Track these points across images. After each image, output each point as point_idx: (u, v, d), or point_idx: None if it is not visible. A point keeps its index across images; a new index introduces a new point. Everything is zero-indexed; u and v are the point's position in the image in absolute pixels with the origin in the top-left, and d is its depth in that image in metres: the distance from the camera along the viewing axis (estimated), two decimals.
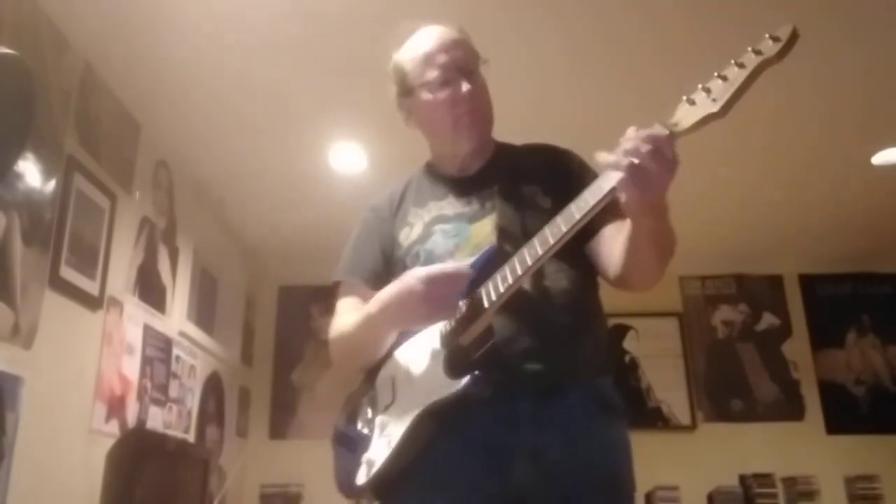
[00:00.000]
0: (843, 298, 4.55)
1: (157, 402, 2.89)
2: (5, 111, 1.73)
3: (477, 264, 1.12)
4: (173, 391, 3.07)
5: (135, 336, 2.73)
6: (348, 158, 3.20)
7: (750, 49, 0.90)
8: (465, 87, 1.28)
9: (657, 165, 0.93)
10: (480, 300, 1.10)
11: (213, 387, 3.65)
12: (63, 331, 2.22)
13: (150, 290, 2.89)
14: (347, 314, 1.32)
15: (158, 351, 2.93)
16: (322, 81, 2.65)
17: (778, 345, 4.48)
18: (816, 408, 4.32)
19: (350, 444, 1.27)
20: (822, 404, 4.32)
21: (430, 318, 1.14)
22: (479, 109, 1.32)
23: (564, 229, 1.02)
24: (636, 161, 0.94)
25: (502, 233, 1.22)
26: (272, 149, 3.16)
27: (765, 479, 4.01)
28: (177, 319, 3.15)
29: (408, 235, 1.32)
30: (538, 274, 1.17)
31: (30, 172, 2.07)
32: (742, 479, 4.04)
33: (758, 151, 3.20)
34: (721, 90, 0.91)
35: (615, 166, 0.96)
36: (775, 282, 4.60)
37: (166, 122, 2.88)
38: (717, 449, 4.17)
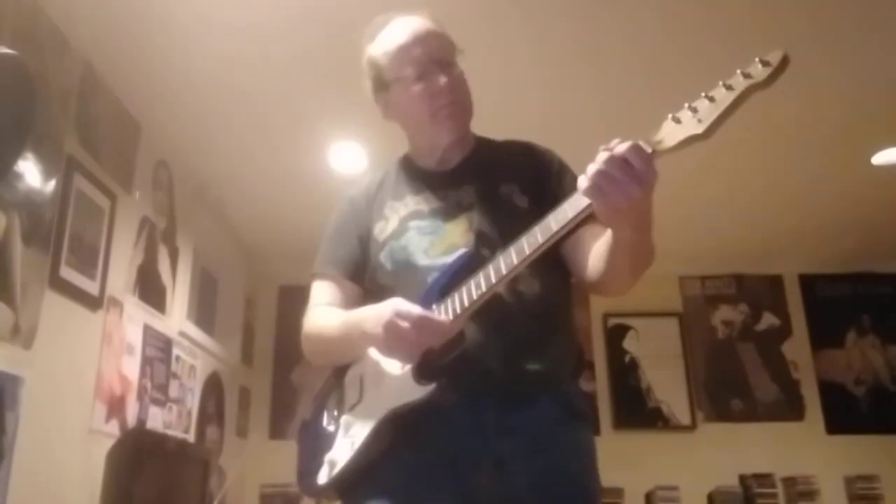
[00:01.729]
0: (843, 298, 4.55)
1: (157, 402, 2.89)
2: (5, 111, 1.73)
3: (449, 271, 1.13)
4: (173, 391, 3.07)
5: (135, 336, 2.73)
6: (348, 158, 3.20)
7: (739, 72, 0.89)
8: (442, 79, 1.26)
9: (622, 174, 0.92)
10: (453, 307, 1.09)
11: (213, 387, 3.65)
12: (63, 331, 2.22)
13: (150, 290, 2.89)
14: (325, 311, 1.31)
15: (158, 351, 2.93)
16: (322, 81, 2.65)
17: (778, 345, 4.48)
18: (816, 408, 4.32)
19: (314, 441, 1.27)
20: (822, 404, 4.32)
21: (403, 359, 1.12)
22: (457, 101, 1.29)
23: (541, 240, 1.02)
24: (601, 168, 0.93)
25: (478, 235, 1.21)
26: (272, 149, 3.15)
27: (765, 479, 4.01)
28: (177, 319, 3.15)
29: (383, 229, 1.30)
30: (512, 277, 1.16)
31: (30, 172, 2.07)
32: (742, 479, 4.03)
33: (757, 151, 3.20)
34: (707, 111, 0.90)
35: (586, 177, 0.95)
36: (775, 282, 4.60)
37: (166, 122, 2.88)
38: (717, 449, 4.16)
